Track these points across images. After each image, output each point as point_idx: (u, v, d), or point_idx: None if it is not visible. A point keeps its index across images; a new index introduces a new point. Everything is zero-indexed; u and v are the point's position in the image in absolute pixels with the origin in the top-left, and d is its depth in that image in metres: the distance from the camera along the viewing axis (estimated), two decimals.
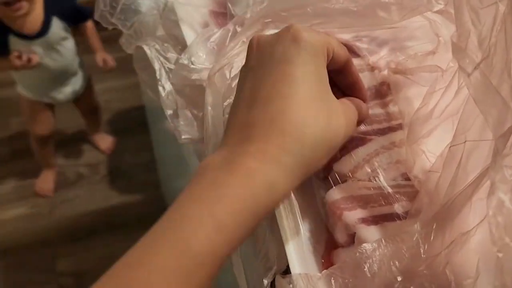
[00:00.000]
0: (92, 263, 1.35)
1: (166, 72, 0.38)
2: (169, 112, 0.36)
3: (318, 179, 0.30)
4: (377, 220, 0.27)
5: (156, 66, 0.38)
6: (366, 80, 0.32)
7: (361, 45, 0.34)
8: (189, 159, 0.89)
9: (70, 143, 1.65)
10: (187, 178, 1.05)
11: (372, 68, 0.33)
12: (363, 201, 0.28)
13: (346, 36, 0.33)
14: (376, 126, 0.30)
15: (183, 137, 0.35)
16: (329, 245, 0.29)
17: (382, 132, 0.30)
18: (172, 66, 0.40)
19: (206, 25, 0.46)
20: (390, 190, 0.28)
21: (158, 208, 1.49)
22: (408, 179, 0.29)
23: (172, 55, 0.41)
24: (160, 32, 0.45)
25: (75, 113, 1.72)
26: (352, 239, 0.28)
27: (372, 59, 0.33)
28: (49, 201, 1.49)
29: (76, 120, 1.70)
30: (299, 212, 0.29)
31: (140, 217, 1.47)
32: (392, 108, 0.32)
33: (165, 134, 1.15)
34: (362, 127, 0.30)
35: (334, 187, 0.29)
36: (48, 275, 1.33)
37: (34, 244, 1.39)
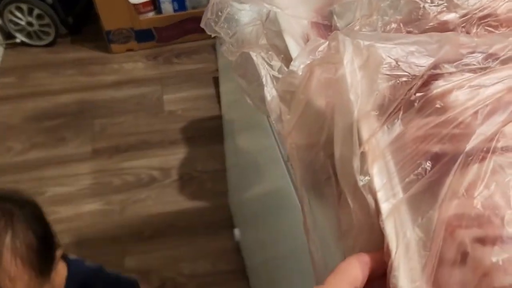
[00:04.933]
0: (157, 262, 1.40)
1: (271, 78, 0.40)
2: (274, 116, 0.37)
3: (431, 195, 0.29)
4: (494, 241, 0.26)
5: (263, 72, 0.40)
6: None
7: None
8: (261, 170, 0.90)
9: (146, 147, 1.73)
10: (253, 191, 1.06)
11: None
12: (479, 220, 0.27)
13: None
14: (493, 144, 0.29)
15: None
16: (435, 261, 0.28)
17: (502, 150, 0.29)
18: (275, 73, 0.41)
19: (306, 37, 0.47)
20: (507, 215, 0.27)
21: (223, 216, 1.52)
22: None
23: (276, 63, 0.42)
24: (263, 41, 0.47)
25: (154, 119, 1.81)
26: (463, 258, 0.27)
27: None
28: (122, 200, 1.56)
29: (154, 126, 1.79)
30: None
31: (205, 224, 1.50)
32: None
33: (238, 146, 1.18)
34: (476, 144, 0.29)
35: (448, 203, 0.28)
36: (116, 270, 1.39)
37: (105, 239, 1.46)
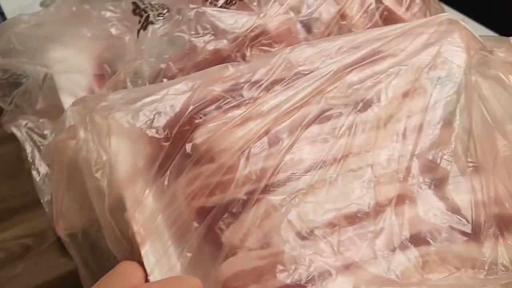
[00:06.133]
0: None
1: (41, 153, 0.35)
2: (46, 198, 0.32)
3: (210, 256, 0.27)
4: None
5: (28, 148, 0.34)
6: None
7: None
8: None
9: (11, 215, 1.55)
10: None
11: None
12: (256, 274, 0.25)
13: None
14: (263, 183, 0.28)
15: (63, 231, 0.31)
16: None
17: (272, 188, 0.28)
18: None
19: (91, 90, 0.43)
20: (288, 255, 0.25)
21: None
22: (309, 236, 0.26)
23: (49, 132, 0.37)
24: (40, 104, 0.41)
25: (14, 181, 1.63)
26: None
27: None
28: None
29: (15, 188, 1.61)
30: None
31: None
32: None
33: None
34: (246, 187, 0.27)
35: (223, 262, 0.26)
36: None
37: None
